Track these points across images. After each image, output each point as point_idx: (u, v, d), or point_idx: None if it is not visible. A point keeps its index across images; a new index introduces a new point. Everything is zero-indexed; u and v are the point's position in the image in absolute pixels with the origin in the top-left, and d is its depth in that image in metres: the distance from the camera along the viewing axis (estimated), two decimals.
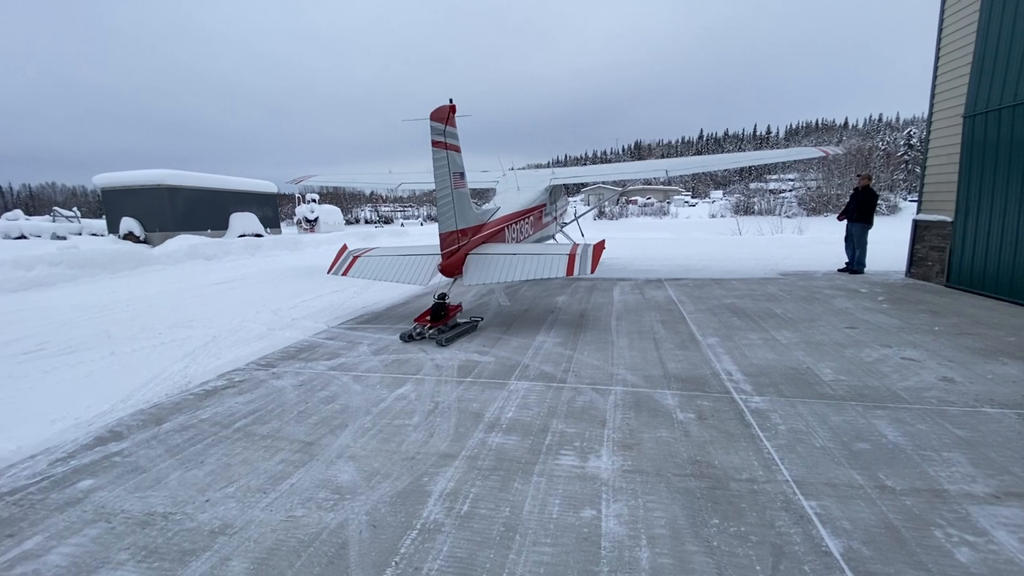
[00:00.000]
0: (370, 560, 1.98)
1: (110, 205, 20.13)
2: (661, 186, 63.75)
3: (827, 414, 3.21)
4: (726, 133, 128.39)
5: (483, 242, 6.35)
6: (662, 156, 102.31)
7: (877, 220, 9.80)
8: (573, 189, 59.97)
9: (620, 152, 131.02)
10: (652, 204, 50.31)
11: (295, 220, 31.29)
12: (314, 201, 31.26)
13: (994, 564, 1.89)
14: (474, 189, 11.71)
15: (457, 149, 5.64)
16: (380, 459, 2.77)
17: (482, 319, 5.84)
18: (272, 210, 25.37)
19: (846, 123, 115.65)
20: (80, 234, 21.85)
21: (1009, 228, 6.64)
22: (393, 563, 1.96)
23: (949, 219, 7.76)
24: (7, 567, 1.99)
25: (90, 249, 11.94)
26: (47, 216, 28.09)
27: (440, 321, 5.30)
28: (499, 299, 6.98)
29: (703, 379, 3.90)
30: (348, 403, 3.59)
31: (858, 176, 10.77)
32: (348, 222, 44.25)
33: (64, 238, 20.11)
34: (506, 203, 7.95)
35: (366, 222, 53.12)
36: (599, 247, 5.59)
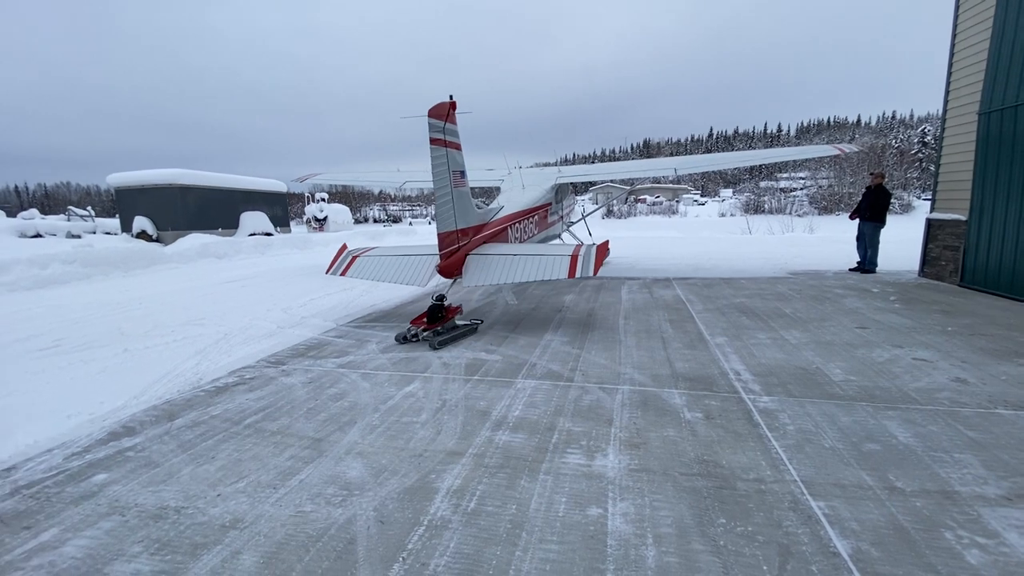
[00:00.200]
0: (378, 555, 2.00)
1: (123, 204, 20.39)
2: (670, 185, 63.51)
3: (836, 414, 3.18)
4: (736, 131, 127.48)
5: (484, 242, 6.24)
6: (671, 154, 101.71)
7: (890, 219, 9.68)
8: (581, 188, 59.85)
9: (629, 151, 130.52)
10: (661, 203, 50.01)
11: (305, 219, 31.50)
12: (323, 200, 31.44)
13: (1005, 566, 1.87)
14: (480, 187, 11.72)
15: (458, 147, 5.56)
16: (388, 456, 2.80)
17: (481, 321, 5.76)
18: (282, 209, 25.57)
19: (859, 120, 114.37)
20: (94, 233, 22.15)
21: None
22: (400, 559, 1.98)
23: (963, 218, 7.65)
24: (25, 558, 2.04)
25: (104, 248, 12.11)
26: (62, 215, 28.51)
27: (437, 323, 5.19)
28: (506, 298, 6.98)
29: (711, 378, 3.88)
30: (356, 400, 3.62)
31: (871, 174, 10.65)
32: (357, 221, 44.48)
33: (79, 237, 20.40)
34: (510, 202, 7.86)
35: (375, 221, 53.38)
36: (602, 248, 5.45)
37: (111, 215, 29.21)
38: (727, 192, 68.32)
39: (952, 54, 8.01)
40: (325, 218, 29.87)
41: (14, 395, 3.85)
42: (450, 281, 5.79)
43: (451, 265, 5.58)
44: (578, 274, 5.14)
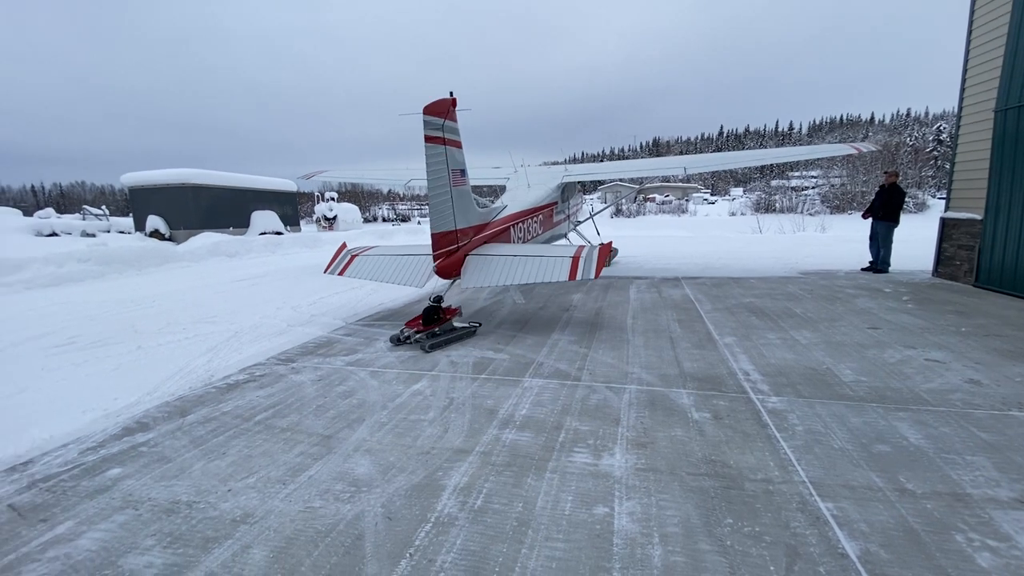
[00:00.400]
0: (385, 551, 2.02)
1: (137, 203, 20.68)
2: (680, 184, 63.11)
3: (846, 415, 3.16)
4: (747, 129, 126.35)
5: (485, 242, 6.08)
6: (681, 153, 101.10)
7: (903, 218, 9.55)
8: (590, 187, 59.63)
9: (638, 149, 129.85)
10: (670, 202, 49.69)
11: (314, 218, 31.77)
12: (333, 199, 31.66)
13: (1017, 570, 1.84)
14: (487, 186, 11.71)
15: (458, 145, 5.42)
16: (396, 453, 2.82)
17: (480, 324, 5.57)
18: (292, 208, 25.78)
19: (872, 118, 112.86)
20: (108, 232, 22.44)
21: None
22: (408, 555, 1.99)
23: (979, 217, 7.53)
24: (41, 550, 2.08)
25: (118, 246, 12.30)
26: (77, 214, 28.95)
27: (433, 325, 5.08)
28: (514, 297, 6.98)
29: (720, 378, 3.86)
30: (365, 398, 3.65)
31: (885, 173, 10.51)
32: (366, 220, 44.71)
33: (93, 235, 20.68)
34: (514, 201, 7.73)
35: (384, 220, 53.66)
36: (604, 249, 5.31)
37: (125, 214, 29.61)
38: (737, 191, 67.74)
39: (968, 50, 7.88)
40: (335, 217, 30.08)
41: (31, 391, 3.93)
42: (448, 282, 5.68)
43: (449, 266, 5.46)
44: (579, 276, 5.02)
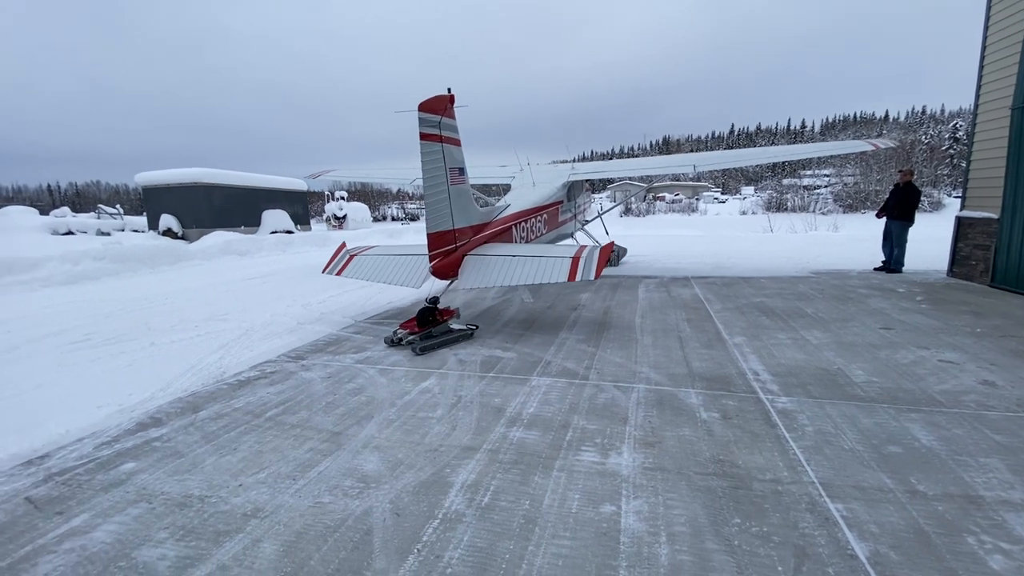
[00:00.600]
0: (393, 547, 2.04)
1: (150, 202, 20.98)
2: (689, 182, 62.68)
3: (857, 416, 3.13)
4: (759, 128, 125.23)
5: (485, 242, 5.94)
6: (691, 151, 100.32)
7: (919, 217, 9.40)
8: (599, 186, 59.41)
9: (648, 148, 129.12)
10: (680, 201, 49.38)
11: (324, 217, 32.00)
12: (343, 198, 31.87)
13: None
14: (494, 185, 11.70)
15: (456, 142, 5.30)
16: (404, 450, 2.84)
17: (477, 327, 5.40)
18: (302, 207, 26.01)
19: (887, 116, 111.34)
20: (123, 230, 22.80)
21: None
22: (415, 550, 2.01)
23: (995, 216, 7.41)
24: (57, 542, 2.13)
25: (132, 245, 12.49)
26: (92, 213, 29.44)
27: (428, 326, 4.98)
28: (522, 296, 6.98)
29: (729, 378, 3.84)
30: (374, 395, 3.68)
31: (899, 171, 10.36)
32: (376, 219, 44.94)
33: (108, 234, 21.01)
34: (517, 200, 7.60)
35: (393, 219, 53.90)
36: (606, 251, 5.18)
37: (139, 213, 30.03)
38: (748, 190, 67.11)
39: (984, 47, 7.74)
40: (344, 216, 30.28)
41: (47, 386, 4.01)
42: (446, 283, 5.59)
43: (446, 266, 5.34)
44: (579, 277, 4.88)
